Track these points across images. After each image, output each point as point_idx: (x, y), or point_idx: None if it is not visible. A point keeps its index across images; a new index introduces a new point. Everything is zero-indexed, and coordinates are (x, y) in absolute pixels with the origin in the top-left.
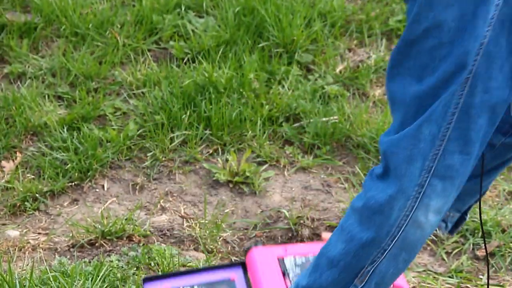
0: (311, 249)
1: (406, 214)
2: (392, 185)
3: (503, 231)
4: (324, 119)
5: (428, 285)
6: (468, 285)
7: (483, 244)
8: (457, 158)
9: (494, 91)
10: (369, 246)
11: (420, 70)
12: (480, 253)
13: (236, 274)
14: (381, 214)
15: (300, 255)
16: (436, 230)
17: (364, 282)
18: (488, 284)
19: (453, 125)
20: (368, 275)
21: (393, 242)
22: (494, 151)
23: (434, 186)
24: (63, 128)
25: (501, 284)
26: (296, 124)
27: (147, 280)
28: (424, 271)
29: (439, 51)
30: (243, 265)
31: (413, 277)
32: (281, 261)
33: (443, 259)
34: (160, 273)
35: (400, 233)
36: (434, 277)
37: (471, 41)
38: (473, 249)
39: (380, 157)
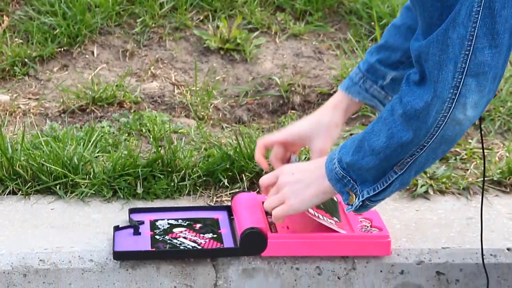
0: None
1: (444, 115)
2: (427, 90)
3: (494, 96)
4: None
5: None
6: (458, 149)
7: None
8: (487, 53)
9: None
10: (408, 145)
11: None
12: None
13: (220, 215)
14: (417, 119)
15: None
16: None
17: (403, 170)
18: (483, 148)
19: (479, 23)
20: (408, 165)
21: (432, 139)
22: None
23: (469, 84)
24: None
25: (489, 147)
26: None
27: (133, 211)
28: None
29: None
30: (228, 209)
31: None
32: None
33: None
34: (151, 139)
35: (439, 131)
36: None
37: None
38: None
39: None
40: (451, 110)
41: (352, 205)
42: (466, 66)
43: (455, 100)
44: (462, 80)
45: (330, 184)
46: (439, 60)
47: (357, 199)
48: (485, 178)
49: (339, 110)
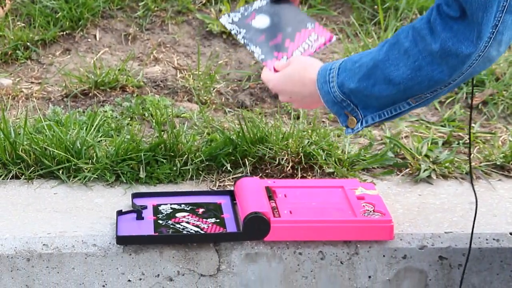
0: (299, 184)
1: (479, 54)
2: (471, 31)
3: (497, 79)
4: None
5: (420, 134)
6: (460, 134)
7: (476, 93)
8: None
9: None
10: (437, 83)
11: None
12: (474, 101)
13: (223, 200)
14: (456, 58)
15: (289, 188)
16: None
17: (418, 103)
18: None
19: None
20: (425, 99)
21: (460, 77)
22: None
23: (506, 21)
24: None
25: (492, 131)
26: None
27: (136, 195)
28: (417, 120)
29: None
30: (231, 194)
31: (406, 126)
32: (267, 189)
33: (436, 109)
34: (153, 123)
35: (470, 69)
36: (427, 126)
37: None
38: (466, 98)
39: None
40: (486, 48)
41: (352, 128)
42: (507, 4)
43: (492, 38)
44: (502, 18)
45: (325, 105)
46: (484, 1)
47: (359, 123)
48: (489, 163)
49: None
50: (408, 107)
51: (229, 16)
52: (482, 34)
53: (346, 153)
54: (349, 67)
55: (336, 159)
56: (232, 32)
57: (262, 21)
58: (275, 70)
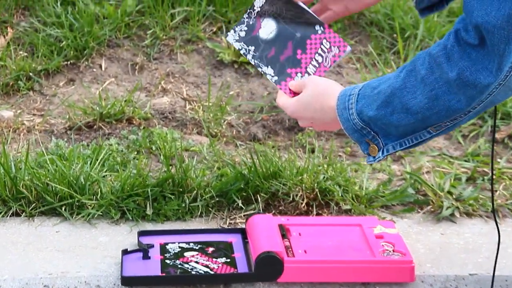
0: (315, 221)
1: (500, 83)
2: (491, 62)
3: None
4: None
5: (442, 170)
6: (485, 169)
7: (501, 126)
8: None
9: None
10: (455, 112)
11: None
12: (499, 135)
13: (234, 238)
14: (474, 88)
15: (303, 226)
16: None
17: (438, 131)
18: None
19: None
20: (445, 128)
21: (480, 105)
22: None
23: None
24: (57, 2)
25: None
26: None
27: (142, 234)
28: (439, 155)
29: None
30: (242, 232)
31: (427, 161)
32: (281, 227)
33: (459, 142)
34: (161, 157)
35: (490, 97)
36: (449, 161)
37: None
38: (491, 131)
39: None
40: (507, 78)
41: (374, 157)
42: None
43: None
44: None
45: (345, 132)
46: (507, 35)
47: (380, 152)
48: None
49: None
50: (429, 135)
51: (235, 31)
52: (503, 66)
53: (364, 189)
54: (368, 94)
55: (354, 196)
56: (241, 52)
57: (268, 28)
58: (291, 91)
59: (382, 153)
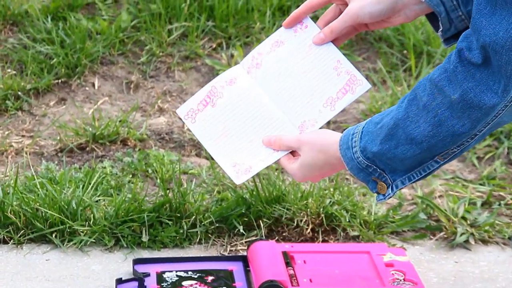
0: (321, 249)
1: (506, 105)
2: (493, 81)
3: None
4: None
5: (456, 194)
6: (501, 193)
7: None
8: None
9: None
10: (461, 136)
11: None
12: None
13: (235, 266)
14: (479, 110)
15: (308, 253)
16: None
17: (446, 159)
18: None
19: None
20: (453, 155)
21: (486, 127)
22: None
23: None
24: (47, 17)
25: None
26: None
27: (138, 262)
28: (452, 178)
29: None
30: (243, 260)
31: (440, 185)
32: (285, 254)
33: (474, 165)
34: (158, 181)
35: (496, 119)
36: (463, 185)
37: None
38: (508, 153)
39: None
40: None
41: (384, 195)
42: None
43: None
44: None
45: (351, 172)
46: None
47: (389, 189)
48: None
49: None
50: (437, 165)
51: None
52: (510, 87)
53: (373, 214)
54: (371, 130)
55: (362, 221)
56: None
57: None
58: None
59: (392, 190)
